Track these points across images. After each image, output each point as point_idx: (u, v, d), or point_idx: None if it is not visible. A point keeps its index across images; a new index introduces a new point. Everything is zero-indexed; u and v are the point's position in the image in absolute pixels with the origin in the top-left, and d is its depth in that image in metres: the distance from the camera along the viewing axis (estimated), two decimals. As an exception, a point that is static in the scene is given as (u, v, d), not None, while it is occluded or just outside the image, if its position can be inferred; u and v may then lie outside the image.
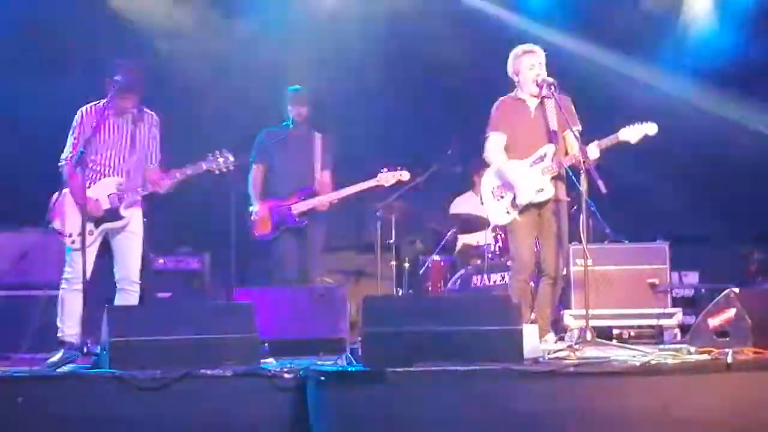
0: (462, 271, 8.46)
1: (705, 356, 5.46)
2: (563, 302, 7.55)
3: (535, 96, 6.92)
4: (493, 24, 9.51)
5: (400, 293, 8.60)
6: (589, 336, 6.25)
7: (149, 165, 6.73)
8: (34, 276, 7.56)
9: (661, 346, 6.46)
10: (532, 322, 6.83)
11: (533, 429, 5.03)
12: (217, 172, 6.69)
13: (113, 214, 6.52)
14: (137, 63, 6.65)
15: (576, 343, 6.18)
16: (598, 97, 8.96)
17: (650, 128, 6.76)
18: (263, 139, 8.01)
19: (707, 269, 8.93)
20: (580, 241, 6.60)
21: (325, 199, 7.88)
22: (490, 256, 8.22)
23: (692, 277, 8.84)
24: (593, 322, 6.64)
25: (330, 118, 8.54)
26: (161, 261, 8.51)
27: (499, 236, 8.27)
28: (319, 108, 8.15)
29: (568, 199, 6.98)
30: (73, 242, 6.48)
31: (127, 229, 6.63)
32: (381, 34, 9.46)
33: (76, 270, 6.33)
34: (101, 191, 6.52)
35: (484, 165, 7.13)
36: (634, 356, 5.65)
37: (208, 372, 5.01)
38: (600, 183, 6.31)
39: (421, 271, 8.91)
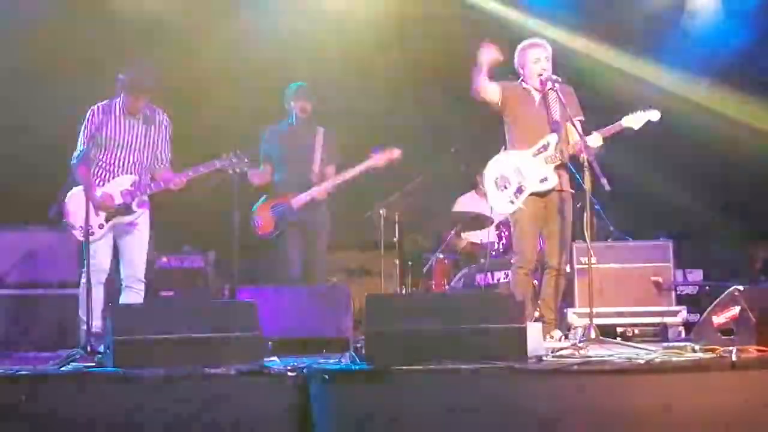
0: (465, 270, 8.45)
1: (709, 354, 5.45)
2: (567, 300, 7.54)
3: (538, 90, 6.94)
4: (497, 21, 9.49)
5: (403, 291, 8.59)
6: (593, 334, 6.25)
7: (160, 165, 6.82)
8: (40, 275, 7.57)
9: (665, 344, 6.45)
10: (535, 320, 6.84)
11: (537, 427, 5.01)
12: (230, 171, 6.79)
13: (124, 209, 6.60)
14: (150, 62, 6.69)
15: (580, 342, 6.18)
16: (599, 95, 8.96)
17: (653, 114, 6.79)
18: (267, 137, 8.01)
19: (711, 267, 8.93)
20: (584, 239, 6.59)
21: (321, 188, 7.85)
22: (493, 253, 8.21)
23: (696, 275, 8.83)
24: (597, 320, 6.64)
25: (332, 116, 8.53)
26: (165, 259, 8.53)
27: (502, 234, 8.26)
28: (322, 105, 8.14)
29: (571, 191, 6.98)
30: (82, 235, 6.52)
31: (135, 228, 6.69)
32: (385, 32, 9.45)
33: (95, 263, 6.40)
34: (115, 188, 6.64)
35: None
36: (638, 354, 5.65)
37: (212, 370, 5.00)
38: (603, 180, 6.31)
39: (424, 270, 8.91)
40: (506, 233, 8.13)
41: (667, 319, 7.74)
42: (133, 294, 6.66)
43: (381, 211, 8.37)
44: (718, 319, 5.80)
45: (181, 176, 6.73)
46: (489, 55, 6.83)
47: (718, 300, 5.95)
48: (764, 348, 5.40)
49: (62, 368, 5.39)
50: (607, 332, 7.43)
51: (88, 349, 5.82)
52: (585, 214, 6.43)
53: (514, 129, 7.00)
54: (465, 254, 8.86)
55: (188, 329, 5.27)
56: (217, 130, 8.54)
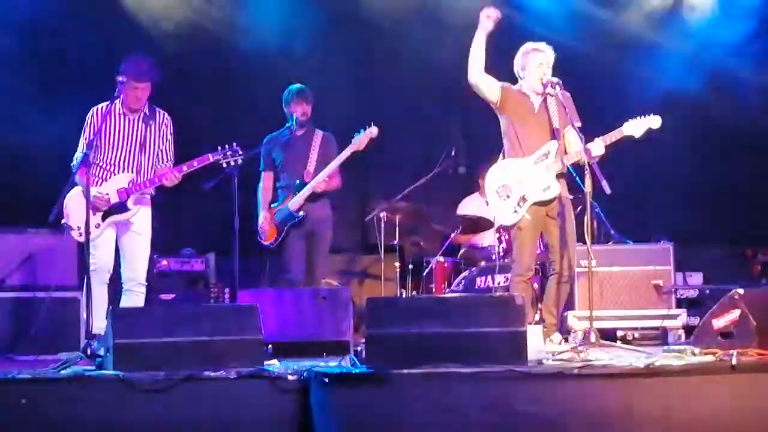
0: (466, 273, 8.45)
1: (709, 357, 5.45)
2: (568, 303, 7.54)
3: (539, 94, 6.93)
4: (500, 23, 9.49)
5: (404, 295, 8.59)
6: (593, 337, 6.24)
7: (161, 165, 6.80)
8: (39, 278, 7.57)
9: (666, 348, 6.44)
10: (535, 323, 6.84)
11: (537, 430, 5.02)
12: (224, 164, 6.75)
13: (120, 207, 6.59)
14: (147, 58, 6.68)
15: (580, 345, 6.18)
16: (599, 94, 8.98)
17: (654, 121, 6.79)
18: (268, 145, 8.01)
19: (712, 270, 8.93)
20: (584, 242, 6.59)
21: (312, 184, 7.83)
22: (494, 257, 8.21)
23: (696, 278, 8.83)
24: (597, 324, 6.63)
25: (332, 118, 8.54)
26: (165, 262, 8.51)
27: (503, 237, 8.26)
28: (322, 107, 8.14)
29: (571, 197, 6.99)
30: (80, 235, 6.52)
31: (135, 230, 6.70)
32: (385, 33, 9.46)
33: (97, 262, 6.41)
34: (112, 187, 6.64)
35: (488, 167, 7.12)
36: (638, 358, 5.65)
37: (212, 374, 5.01)
38: (604, 183, 6.32)
39: (425, 273, 8.91)
40: (507, 237, 8.13)
41: (668, 323, 7.74)
42: (133, 297, 6.64)
43: (381, 215, 8.37)
44: (718, 323, 5.79)
45: (174, 171, 6.68)
46: (491, 20, 6.79)
47: (718, 303, 5.94)
48: (764, 351, 5.39)
49: (62, 371, 5.38)
50: (608, 335, 7.43)
51: (89, 352, 5.83)
52: (585, 218, 6.43)
53: (513, 136, 6.96)
54: (465, 257, 8.86)
55: (188, 332, 5.26)
56: (225, 127, 8.51)
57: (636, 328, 7.84)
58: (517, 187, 6.88)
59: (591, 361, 5.61)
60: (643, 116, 6.78)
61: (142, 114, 6.75)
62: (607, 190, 6.33)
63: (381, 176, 8.03)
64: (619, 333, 7.82)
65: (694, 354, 5.63)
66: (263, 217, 7.91)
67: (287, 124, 8.00)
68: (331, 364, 5.60)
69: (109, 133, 6.65)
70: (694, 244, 8.98)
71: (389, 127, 9.53)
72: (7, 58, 8.68)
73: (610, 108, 8.80)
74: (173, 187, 6.77)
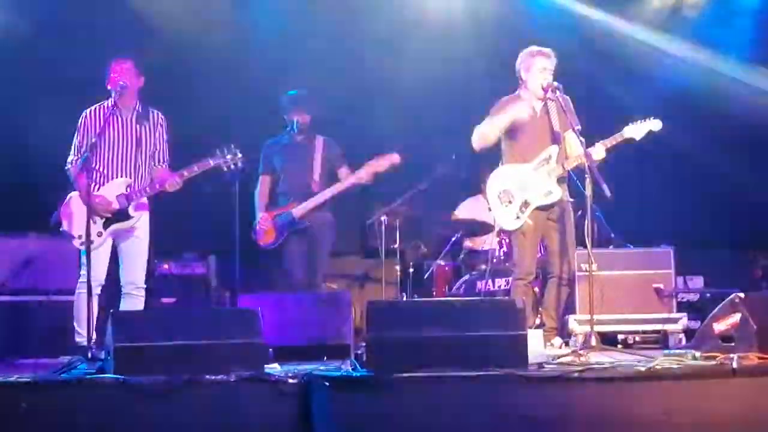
0: (467, 276, 8.45)
1: (710, 361, 5.44)
2: (568, 307, 7.54)
3: (539, 98, 6.93)
4: (498, 26, 9.50)
5: (404, 298, 8.59)
6: (593, 341, 6.25)
7: (157, 165, 6.76)
8: (39, 282, 7.57)
9: (666, 351, 6.45)
10: (536, 327, 6.84)
11: (538, 434, 5.03)
12: (224, 168, 6.73)
13: (122, 215, 6.56)
14: (128, 60, 6.64)
15: (581, 349, 6.18)
16: (598, 98, 8.98)
17: (655, 124, 6.80)
18: (267, 149, 8.01)
19: (712, 274, 8.94)
20: (585, 246, 6.60)
21: (320, 197, 7.85)
22: (494, 260, 8.21)
23: (697, 282, 8.84)
24: (598, 328, 6.64)
25: (333, 122, 8.54)
26: (166, 266, 8.51)
27: (503, 241, 8.26)
28: (322, 111, 8.14)
29: (572, 200, 6.99)
30: (82, 244, 6.49)
31: (134, 234, 6.66)
32: (385, 36, 9.47)
33: (93, 273, 6.36)
34: (110, 192, 6.58)
35: (490, 170, 7.13)
36: (639, 361, 5.64)
37: (213, 377, 5.01)
38: (605, 187, 6.33)
39: (425, 276, 8.91)
40: (507, 240, 8.13)
41: (668, 326, 7.73)
42: (133, 301, 6.61)
43: (382, 218, 8.36)
44: (719, 327, 5.80)
45: (175, 176, 6.63)
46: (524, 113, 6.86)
47: (718, 307, 5.95)
48: (765, 355, 5.39)
49: (62, 375, 5.38)
50: (608, 339, 7.45)
51: (89, 356, 5.83)
52: (586, 221, 6.44)
53: (513, 141, 6.97)
54: (466, 261, 8.86)
55: (189, 336, 5.26)
56: (225, 131, 8.49)
57: (637, 332, 7.83)
58: (519, 193, 6.88)
59: (592, 364, 5.60)
60: (643, 119, 6.79)
61: (135, 114, 6.69)
62: (608, 194, 6.34)
63: (382, 180, 8.02)
64: (620, 337, 7.81)
65: (694, 358, 5.63)
66: (261, 217, 7.90)
67: (287, 128, 8.00)
68: (331, 368, 5.60)
69: (102, 134, 6.58)
70: (694, 247, 8.97)
71: (390, 131, 9.58)
72: (7, 61, 8.69)
73: (609, 112, 8.82)
74: (173, 192, 6.73)
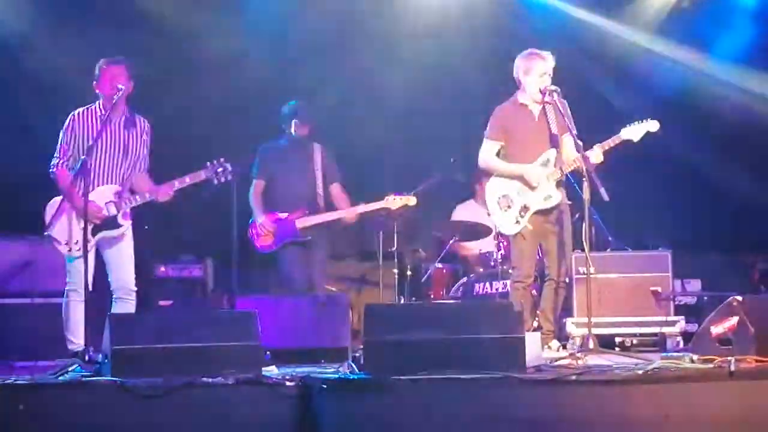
0: (464, 279, 8.45)
1: (708, 364, 5.44)
2: (566, 310, 7.54)
3: (537, 102, 6.93)
4: (495, 32, 9.50)
5: (402, 301, 8.58)
6: (591, 344, 6.25)
7: (138, 173, 6.68)
8: (37, 284, 7.56)
9: (664, 354, 6.45)
10: (534, 330, 6.84)
11: (535, 437, 5.03)
12: (215, 181, 6.68)
13: (111, 223, 6.48)
14: (122, 62, 6.58)
15: (578, 351, 6.18)
16: (596, 101, 8.99)
17: (652, 125, 6.80)
18: (264, 154, 8.00)
19: (710, 277, 8.94)
20: (583, 249, 6.60)
21: (333, 215, 7.88)
22: (492, 263, 8.21)
23: (695, 285, 8.84)
24: (596, 330, 6.65)
25: (330, 127, 8.55)
26: (163, 269, 8.51)
27: (501, 244, 8.26)
28: (319, 118, 8.14)
29: (569, 202, 7.00)
30: (69, 250, 6.46)
31: (119, 240, 6.58)
32: (382, 41, 9.47)
33: (78, 279, 6.32)
34: (99, 199, 6.48)
35: (486, 173, 7.14)
36: (636, 364, 5.65)
37: (210, 380, 5.00)
38: (602, 190, 6.33)
39: (423, 279, 8.91)
40: (505, 243, 8.12)
41: (666, 329, 7.73)
42: (124, 305, 6.53)
43: (380, 221, 8.36)
44: (717, 329, 5.79)
45: (166, 187, 6.58)
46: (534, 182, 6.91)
47: (716, 310, 5.94)
48: (762, 358, 5.39)
49: (60, 378, 5.38)
50: (606, 342, 7.45)
51: (86, 358, 5.81)
52: (584, 225, 6.44)
53: (511, 146, 6.99)
54: (464, 264, 8.86)
55: (187, 339, 5.26)
56: (216, 140, 8.49)
57: (634, 335, 7.83)
58: (518, 197, 6.90)
59: (589, 367, 5.61)
60: (640, 121, 6.79)
61: (123, 119, 6.60)
62: (606, 197, 6.34)
63: (379, 183, 8.02)
64: (618, 339, 7.82)
65: (692, 361, 5.63)
66: (263, 220, 7.88)
67: (284, 135, 7.98)
68: (329, 371, 5.60)
69: (88, 138, 6.49)
70: (692, 251, 8.98)
71: (388, 135, 9.58)
72: (7, 65, 8.70)
73: (605, 114, 8.84)
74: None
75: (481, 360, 5.19)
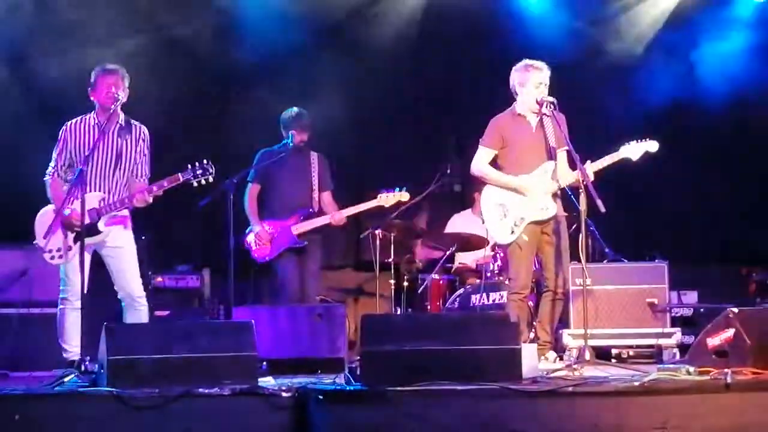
0: (461, 290, 8.45)
1: (704, 376, 5.44)
2: (562, 322, 7.54)
3: (535, 113, 6.94)
4: (493, 42, 9.52)
5: (398, 312, 8.58)
6: (587, 355, 6.25)
7: (137, 180, 6.63)
8: (35, 294, 7.56)
9: (660, 366, 6.43)
10: (530, 341, 6.84)
11: (532, 449, 5.02)
12: (195, 183, 6.56)
13: (91, 230, 6.38)
14: (114, 71, 6.54)
15: (575, 363, 6.18)
16: (592, 113, 9.00)
17: (651, 146, 6.82)
18: (262, 159, 8.00)
19: (706, 289, 8.94)
20: (580, 261, 6.60)
21: (322, 221, 7.89)
22: (488, 274, 8.21)
23: (691, 297, 8.84)
24: (592, 342, 6.65)
25: (327, 137, 8.56)
26: (160, 279, 8.50)
27: (498, 255, 8.27)
28: (316, 126, 8.15)
29: (566, 214, 7.01)
30: (52, 258, 6.44)
31: (114, 247, 6.54)
32: (377, 51, 9.48)
33: (71, 288, 6.31)
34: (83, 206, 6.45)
35: (479, 181, 7.14)
36: (633, 376, 5.63)
37: (206, 391, 4.99)
38: (599, 202, 6.34)
39: (419, 290, 8.90)
40: (501, 254, 8.13)
41: (662, 341, 7.73)
42: (134, 313, 6.51)
43: (376, 232, 8.37)
44: (713, 341, 5.79)
45: (143, 192, 6.46)
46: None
47: (712, 322, 5.94)
48: (759, 370, 5.39)
49: (56, 388, 5.37)
50: (602, 354, 7.44)
51: (82, 369, 5.80)
52: (580, 236, 6.44)
53: (508, 156, 6.99)
54: (460, 275, 8.86)
55: (183, 349, 5.25)
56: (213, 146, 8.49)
57: (631, 347, 7.83)
58: (514, 207, 6.90)
59: (586, 379, 5.61)
60: (640, 139, 6.81)
61: (117, 127, 6.56)
62: (602, 209, 6.35)
63: (376, 194, 8.02)
64: (614, 351, 7.82)
65: (688, 373, 5.62)
66: (259, 229, 7.87)
67: (283, 141, 7.99)
68: (325, 381, 5.59)
69: (82, 148, 6.47)
70: (688, 262, 8.99)
71: (384, 145, 9.60)
72: (5, 75, 8.71)
73: (602, 127, 8.87)
74: (146, 208, 6.57)
75: (478, 371, 5.19)
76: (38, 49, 8.84)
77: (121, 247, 6.57)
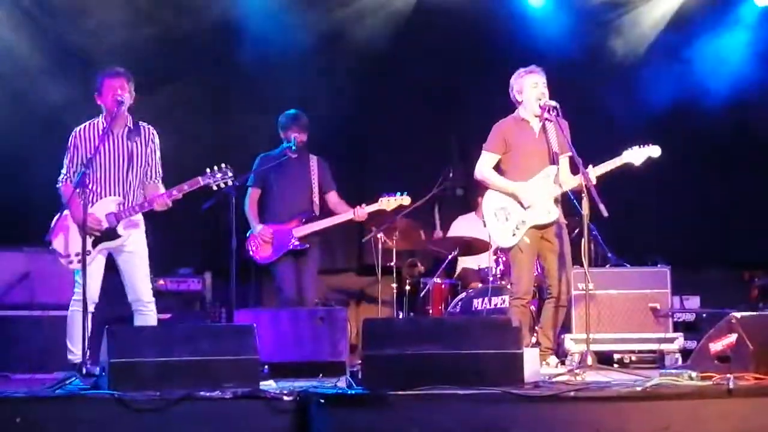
0: (463, 294, 8.43)
1: (706, 381, 5.43)
2: (564, 326, 7.53)
3: (537, 116, 6.95)
4: (493, 46, 9.52)
5: (400, 316, 8.58)
6: (590, 360, 6.24)
7: (150, 181, 6.66)
8: (37, 296, 7.56)
9: (662, 371, 6.42)
10: (532, 346, 6.83)
11: (533, 453, 5.01)
12: (214, 187, 6.60)
13: (111, 234, 6.46)
14: (122, 73, 6.55)
15: (577, 368, 6.17)
16: (593, 117, 9.00)
17: (654, 151, 6.82)
18: (261, 163, 7.99)
19: (709, 294, 8.93)
20: (582, 265, 6.60)
21: (325, 223, 7.88)
22: (491, 279, 8.21)
23: (694, 302, 8.83)
24: (594, 347, 6.64)
25: (330, 140, 8.55)
26: (161, 282, 8.49)
27: (500, 259, 8.26)
28: (317, 129, 8.15)
29: (566, 221, 7.00)
30: (71, 263, 6.45)
31: (129, 251, 6.56)
32: (379, 54, 9.48)
33: (83, 293, 6.31)
34: (100, 210, 6.46)
35: (482, 185, 7.14)
36: (635, 381, 5.63)
37: (208, 394, 4.99)
38: (601, 206, 6.34)
39: (421, 294, 8.90)
40: (504, 258, 8.12)
41: (665, 346, 7.73)
42: (143, 317, 6.52)
43: (378, 236, 8.36)
44: (715, 346, 5.78)
45: (164, 196, 6.50)
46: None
47: (715, 327, 5.93)
48: (761, 375, 5.38)
49: (57, 391, 5.36)
50: (604, 358, 7.44)
51: (83, 372, 5.80)
52: (583, 241, 6.44)
53: (511, 160, 7.00)
54: (462, 279, 8.85)
55: (184, 352, 5.25)
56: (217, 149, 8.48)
57: (633, 352, 7.83)
58: (516, 211, 6.90)
59: (587, 384, 5.60)
60: (643, 144, 6.81)
61: (126, 130, 6.57)
62: (605, 213, 6.34)
63: (377, 197, 8.02)
64: (616, 356, 7.81)
65: (691, 378, 5.61)
66: (261, 229, 7.86)
67: (282, 145, 7.99)
68: (326, 385, 5.59)
69: (92, 152, 6.47)
70: (691, 267, 8.99)
71: (386, 149, 9.60)
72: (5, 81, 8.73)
73: (602, 128, 8.85)
74: (164, 211, 6.60)
75: (480, 375, 5.18)
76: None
77: (134, 251, 6.59)
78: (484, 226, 7.25)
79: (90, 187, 6.39)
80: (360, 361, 5.44)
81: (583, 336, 6.73)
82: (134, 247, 6.60)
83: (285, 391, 5.14)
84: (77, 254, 6.37)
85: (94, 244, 6.45)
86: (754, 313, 7.55)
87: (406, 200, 7.92)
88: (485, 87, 8.78)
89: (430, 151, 9.55)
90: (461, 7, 9.37)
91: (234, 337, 5.44)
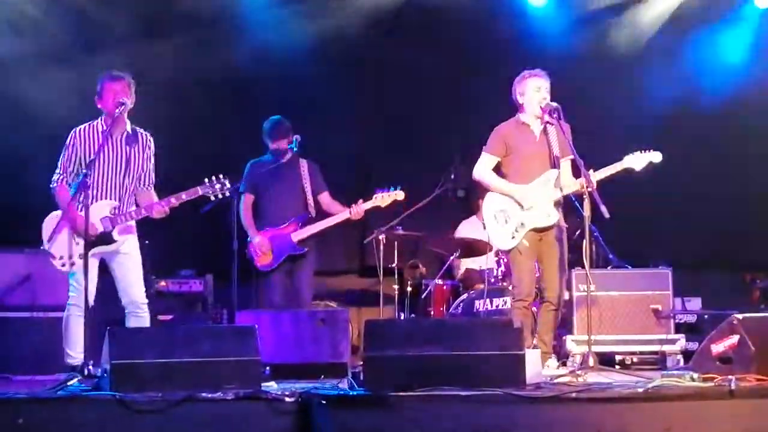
0: (465, 296, 8.44)
1: (708, 383, 5.44)
2: (566, 328, 7.53)
3: (538, 118, 6.95)
4: (494, 47, 9.52)
5: (402, 317, 8.58)
6: (591, 362, 6.24)
7: (143, 188, 6.65)
8: (36, 298, 7.56)
9: (664, 372, 6.44)
10: (534, 347, 6.83)
11: (535, 455, 5.01)
12: (212, 198, 6.60)
13: (105, 238, 6.44)
14: (123, 76, 6.54)
15: (578, 369, 6.17)
16: (594, 117, 9.00)
17: (655, 156, 6.83)
18: (252, 170, 7.98)
19: (710, 295, 8.93)
20: (583, 266, 6.60)
21: (322, 225, 7.88)
22: (492, 280, 8.21)
23: (695, 303, 8.83)
24: (596, 348, 6.64)
25: (328, 144, 8.55)
26: (163, 283, 8.50)
27: (501, 260, 8.26)
28: (317, 134, 8.15)
29: (566, 225, 7.01)
30: (63, 265, 6.44)
31: (123, 253, 6.54)
32: (380, 57, 9.48)
33: (78, 294, 6.30)
34: (94, 214, 6.40)
35: (481, 186, 7.14)
36: (636, 382, 5.64)
37: (209, 395, 5.00)
38: (603, 208, 6.34)
39: (423, 296, 8.90)
40: (505, 260, 8.12)
41: (666, 347, 7.73)
42: (136, 320, 6.51)
43: (380, 237, 8.36)
44: (717, 348, 5.78)
45: (162, 203, 6.50)
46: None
47: (716, 328, 5.94)
48: (763, 377, 5.38)
49: (59, 392, 5.37)
50: (606, 360, 7.44)
51: (85, 373, 5.80)
52: (584, 242, 6.44)
53: (512, 163, 7.00)
54: (464, 280, 8.85)
55: (186, 354, 5.25)
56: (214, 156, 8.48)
57: (634, 353, 7.83)
58: (516, 213, 6.90)
59: (589, 385, 5.60)
60: (643, 150, 6.81)
61: (125, 134, 6.56)
62: (606, 215, 6.35)
63: (371, 194, 8.02)
64: (618, 357, 7.81)
65: (692, 379, 5.62)
66: (258, 240, 7.86)
67: (270, 151, 7.97)
68: (328, 386, 5.59)
69: (90, 155, 6.46)
70: (692, 269, 8.98)
71: (388, 150, 9.59)
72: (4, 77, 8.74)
73: (602, 129, 8.85)
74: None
75: (481, 377, 5.18)
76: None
77: (128, 253, 6.58)
78: (484, 228, 7.25)
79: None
80: (362, 363, 5.44)
81: (584, 337, 6.73)
82: (128, 250, 6.58)
83: (287, 393, 5.14)
84: (70, 257, 6.37)
85: (88, 248, 6.42)
86: (756, 314, 7.58)
87: (400, 195, 7.91)
88: (487, 87, 8.77)
89: (431, 152, 9.54)
90: (463, 7, 9.36)
91: (235, 339, 5.44)
